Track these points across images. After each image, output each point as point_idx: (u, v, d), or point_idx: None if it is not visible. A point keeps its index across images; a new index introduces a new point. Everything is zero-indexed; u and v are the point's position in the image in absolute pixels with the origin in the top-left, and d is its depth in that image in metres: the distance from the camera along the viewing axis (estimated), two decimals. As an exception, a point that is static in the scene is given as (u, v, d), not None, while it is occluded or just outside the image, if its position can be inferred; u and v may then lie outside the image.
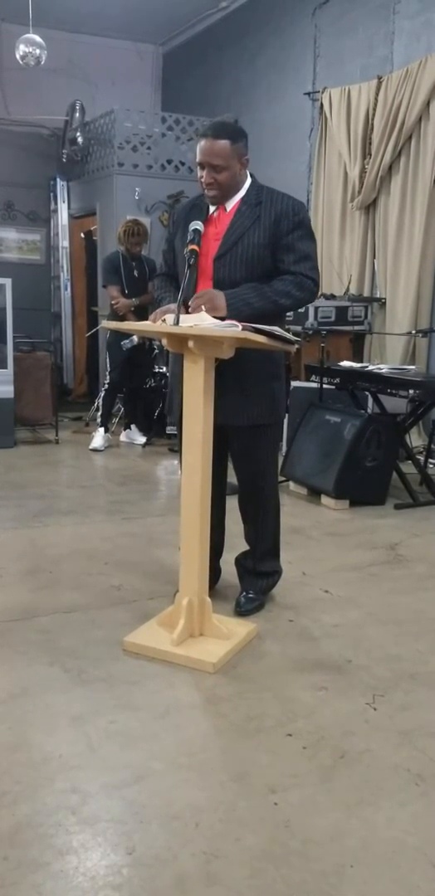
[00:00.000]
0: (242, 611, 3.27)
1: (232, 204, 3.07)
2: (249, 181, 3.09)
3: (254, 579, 3.37)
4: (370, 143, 6.63)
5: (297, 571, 3.75)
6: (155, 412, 7.04)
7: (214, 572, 3.44)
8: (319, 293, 3.32)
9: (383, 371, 5.29)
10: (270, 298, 2.95)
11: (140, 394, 7.07)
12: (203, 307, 2.84)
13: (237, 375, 3.01)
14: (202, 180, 3.01)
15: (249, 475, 3.28)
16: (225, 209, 3.07)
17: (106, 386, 6.79)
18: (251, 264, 3.01)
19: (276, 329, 2.77)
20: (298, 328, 6.06)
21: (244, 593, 3.35)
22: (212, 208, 3.09)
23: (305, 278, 3.01)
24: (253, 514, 3.34)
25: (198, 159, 3.00)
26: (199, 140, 3.00)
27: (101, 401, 6.81)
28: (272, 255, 3.02)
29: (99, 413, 6.79)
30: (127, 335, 6.27)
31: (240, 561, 3.44)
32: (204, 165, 2.98)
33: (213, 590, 3.41)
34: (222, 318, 2.80)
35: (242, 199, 3.06)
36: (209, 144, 2.95)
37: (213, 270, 3.03)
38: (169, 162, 8.39)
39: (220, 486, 3.38)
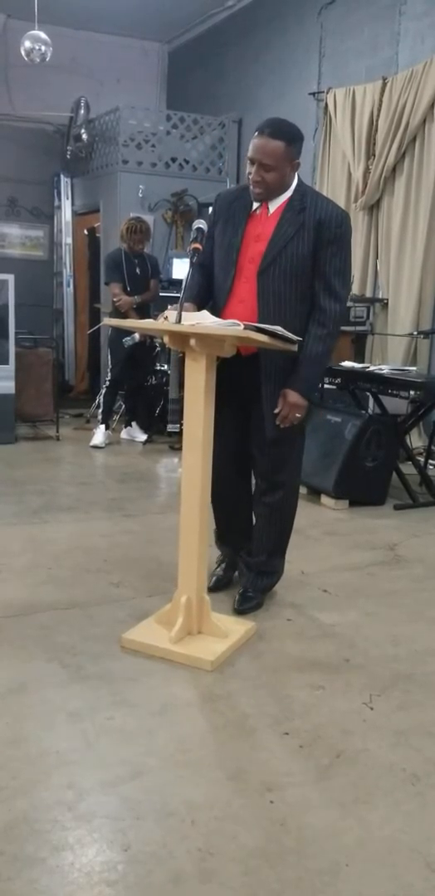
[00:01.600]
0: (240, 609, 3.27)
1: (276, 206, 3.01)
2: (295, 183, 3.03)
3: (254, 577, 3.37)
4: (374, 144, 6.63)
5: (296, 570, 3.75)
6: (156, 410, 7.04)
7: (232, 566, 3.48)
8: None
9: (384, 372, 5.29)
10: (323, 361, 3.11)
11: (141, 391, 7.08)
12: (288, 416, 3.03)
13: (263, 388, 3.06)
14: (250, 176, 2.97)
15: (270, 472, 3.24)
16: (268, 210, 3.02)
17: (107, 383, 6.79)
18: (295, 277, 2.99)
19: (278, 329, 2.77)
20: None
21: (243, 591, 3.35)
22: (255, 204, 3.05)
23: (332, 304, 3.03)
24: (268, 510, 3.30)
25: (249, 154, 2.94)
26: (254, 137, 2.93)
27: (102, 398, 6.80)
28: (313, 264, 3.00)
29: (100, 410, 6.79)
30: (128, 332, 6.28)
31: (243, 556, 3.43)
32: (254, 162, 2.92)
33: (228, 588, 3.44)
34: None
35: (287, 203, 3.00)
36: (263, 142, 2.89)
37: (257, 283, 3.01)
38: (173, 160, 8.39)
39: (246, 483, 3.39)
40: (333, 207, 3.05)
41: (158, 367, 7.09)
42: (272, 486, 3.26)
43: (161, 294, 6.80)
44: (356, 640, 3.09)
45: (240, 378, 3.07)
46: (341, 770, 2.23)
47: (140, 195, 8.14)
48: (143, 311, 6.32)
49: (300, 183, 3.05)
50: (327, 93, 7.14)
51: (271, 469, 3.23)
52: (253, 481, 3.39)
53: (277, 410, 3.04)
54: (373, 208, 6.78)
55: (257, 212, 3.05)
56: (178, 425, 6.48)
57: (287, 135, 2.92)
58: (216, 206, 3.19)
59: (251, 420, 3.20)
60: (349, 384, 5.49)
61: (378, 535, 4.46)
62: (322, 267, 3.00)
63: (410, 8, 6.37)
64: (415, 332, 6.02)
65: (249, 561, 3.39)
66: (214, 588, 3.40)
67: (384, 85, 6.50)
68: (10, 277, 6.54)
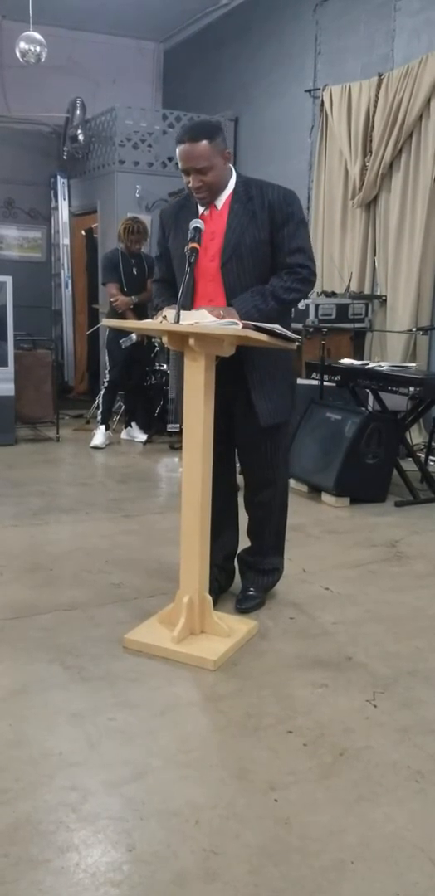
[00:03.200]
0: (242, 608, 3.27)
1: (222, 201, 3.04)
2: (234, 175, 3.06)
3: (255, 576, 3.37)
4: (371, 141, 6.62)
5: (297, 569, 3.75)
6: (155, 410, 7.04)
7: (228, 574, 3.45)
8: (317, 282, 3.34)
9: (384, 368, 5.29)
10: (277, 297, 2.95)
11: (140, 391, 7.08)
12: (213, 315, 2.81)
13: (249, 377, 3.03)
14: (190, 185, 2.99)
15: (258, 470, 3.25)
16: (216, 207, 3.05)
17: (105, 384, 6.80)
18: (257, 263, 3.00)
19: (276, 327, 2.77)
20: (299, 325, 6.06)
21: (245, 590, 3.35)
22: (201, 209, 3.06)
23: (301, 269, 3.00)
24: (260, 510, 3.31)
25: (181, 167, 2.97)
26: (177, 148, 2.96)
27: (101, 399, 6.81)
28: (272, 249, 3.01)
29: (99, 411, 6.80)
30: (126, 333, 6.28)
31: (242, 557, 3.43)
32: (189, 171, 2.95)
33: (226, 592, 3.40)
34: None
35: (232, 196, 3.03)
36: (189, 149, 2.92)
37: (222, 276, 3.01)
38: (170, 159, 8.37)
39: (229, 484, 3.37)
40: (280, 189, 3.07)
41: (158, 367, 7.09)
42: (262, 484, 3.27)
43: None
44: (358, 637, 3.09)
45: (223, 378, 3.03)
46: (345, 768, 2.23)
47: (137, 195, 8.14)
48: (141, 312, 6.32)
49: (239, 174, 3.08)
50: (323, 90, 7.14)
51: (260, 467, 3.24)
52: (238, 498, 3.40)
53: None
54: (370, 205, 6.78)
55: (206, 213, 3.05)
56: (178, 424, 6.47)
57: (206, 132, 2.95)
58: (162, 222, 3.23)
59: (234, 422, 3.18)
60: (349, 381, 5.49)
61: (379, 532, 4.46)
62: (282, 248, 3.00)
63: (406, 4, 6.36)
64: (414, 329, 6.02)
65: (249, 560, 3.39)
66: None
67: (380, 82, 6.50)
68: (9, 279, 6.54)
